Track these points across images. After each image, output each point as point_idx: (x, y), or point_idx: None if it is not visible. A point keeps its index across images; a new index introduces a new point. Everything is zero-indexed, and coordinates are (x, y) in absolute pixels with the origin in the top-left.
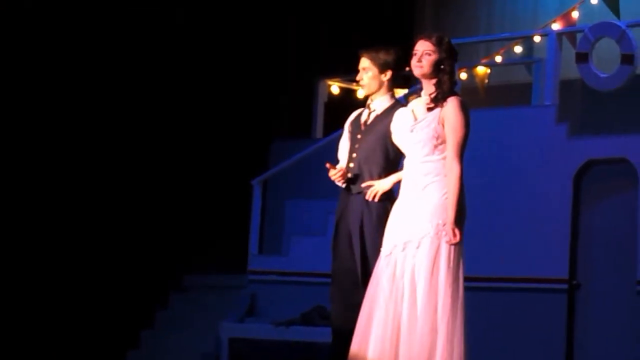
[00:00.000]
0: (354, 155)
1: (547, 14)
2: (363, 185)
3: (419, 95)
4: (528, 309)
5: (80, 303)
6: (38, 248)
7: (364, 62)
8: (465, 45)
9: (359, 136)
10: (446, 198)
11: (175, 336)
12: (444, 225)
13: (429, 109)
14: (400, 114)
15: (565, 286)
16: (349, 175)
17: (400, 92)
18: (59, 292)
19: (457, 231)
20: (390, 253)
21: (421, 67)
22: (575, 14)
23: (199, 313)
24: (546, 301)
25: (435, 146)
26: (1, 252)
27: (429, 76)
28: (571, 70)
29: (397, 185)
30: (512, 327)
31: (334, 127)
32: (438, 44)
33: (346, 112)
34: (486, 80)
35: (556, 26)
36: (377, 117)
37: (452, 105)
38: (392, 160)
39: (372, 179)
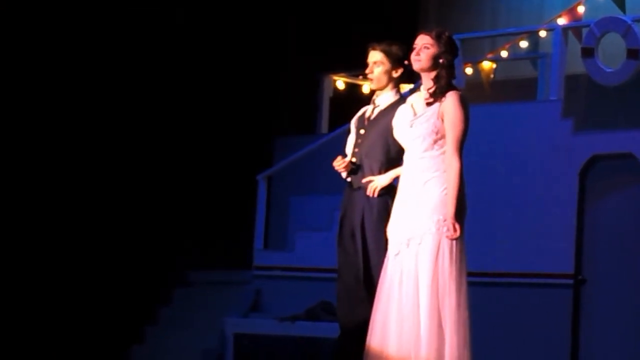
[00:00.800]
0: (357, 150)
1: (553, 8)
2: (363, 181)
3: (419, 90)
4: (533, 304)
5: (84, 299)
6: (41, 244)
7: (376, 56)
8: (471, 40)
9: (362, 131)
10: (446, 193)
11: (179, 332)
12: (445, 220)
13: (428, 104)
14: (401, 109)
15: (570, 281)
16: (352, 165)
17: (405, 88)
18: (63, 288)
19: (457, 226)
20: (399, 252)
21: (419, 60)
22: (580, 9)
23: (204, 309)
24: (552, 296)
25: (435, 141)
26: (3, 248)
27: (428, 70)
28: (577, 65)
29: (397, 179)
30: (518, 323)
31: (339, 122)
32: (437, 38)
33: (351, 108)
34: (491, 75)
35: (562, 21)
36: (381, 113)
37: (451, 100)
38: (393, 157)
39: (372, 174)
